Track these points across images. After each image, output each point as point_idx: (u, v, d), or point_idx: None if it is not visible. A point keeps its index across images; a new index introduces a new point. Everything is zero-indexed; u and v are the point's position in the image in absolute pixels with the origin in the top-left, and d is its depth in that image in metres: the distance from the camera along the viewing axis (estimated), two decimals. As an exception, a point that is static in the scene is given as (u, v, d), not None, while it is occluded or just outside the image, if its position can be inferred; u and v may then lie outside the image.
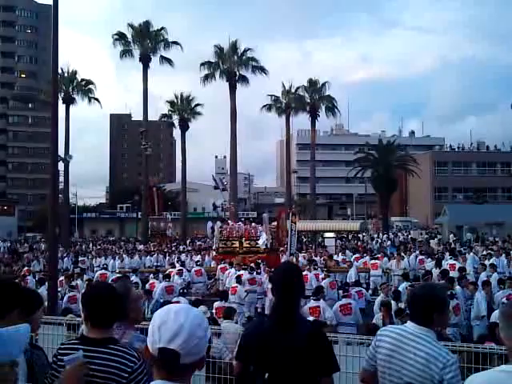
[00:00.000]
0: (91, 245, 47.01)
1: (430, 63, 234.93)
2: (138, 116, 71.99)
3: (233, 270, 18.85)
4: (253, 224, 25.37)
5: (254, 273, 17.37)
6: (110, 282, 16.78)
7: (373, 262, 21.51)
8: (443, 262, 19.72)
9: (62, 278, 17.98)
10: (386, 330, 3.64)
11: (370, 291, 18.54)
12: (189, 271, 20.45)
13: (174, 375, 1.96)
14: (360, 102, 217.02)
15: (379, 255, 23.62)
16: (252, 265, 18.85)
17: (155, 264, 25.74)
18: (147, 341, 1.99)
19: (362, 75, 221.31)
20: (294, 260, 21.87)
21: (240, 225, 24.81)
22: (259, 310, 16.61)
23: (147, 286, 17.23)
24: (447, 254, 22.80)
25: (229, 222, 29.17)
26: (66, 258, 29.67)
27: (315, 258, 22.29)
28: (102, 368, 3.08)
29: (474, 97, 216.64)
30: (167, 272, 18.62)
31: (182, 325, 1.93)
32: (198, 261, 23.20)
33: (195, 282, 20.10)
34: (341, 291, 13.46)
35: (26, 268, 24.14)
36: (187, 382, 2.02)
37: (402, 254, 23.58)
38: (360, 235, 45.14)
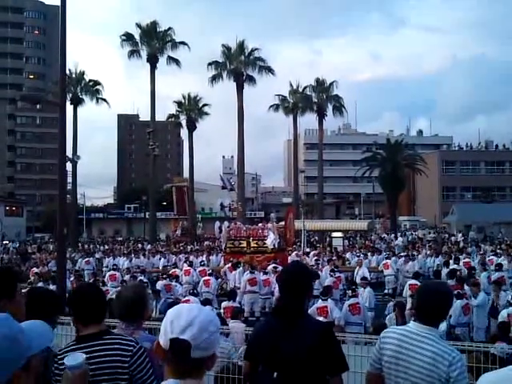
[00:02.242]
0: (102, 245, 46.74)
1: (439, 62, 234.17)
2: (145, 116, 71.83)
3: (240, 269, 18.94)
4: (260, 224, 25.38)
5: (255, 273, 17.33)
6: (121, 281, 17.11)
7: (384, 262, 21.58)
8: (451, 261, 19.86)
9: (72, 278, 18.18)
10: (388, 331, 3.62)
11: (389, 290, 19.43)
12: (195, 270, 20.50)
13: (186, 372, 1.96)
14: (368, 101, 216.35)
15: (402, 255, 23.80)
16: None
17: (165, 264, 25.77)
18: (159, 339, 1.99)
19: (371, 74, 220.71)
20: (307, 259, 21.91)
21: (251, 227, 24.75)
22: (267, 309, 16.61)
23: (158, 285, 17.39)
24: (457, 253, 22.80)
25: (237, 222, 29.22)
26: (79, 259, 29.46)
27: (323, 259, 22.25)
28: (103, 359, 3.19)
29: (483, 96, 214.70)
30: (170, 272, 18.83)
31: (195, 317, 1.96)
32: (203, 261, 23.24)
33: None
34: (350, 291, 13.43)
35: (33, 269, 24.19)
36: (200, 380, 2.02)
37: (414, 253, 23.66)
38: (368, 235, 45.03)
